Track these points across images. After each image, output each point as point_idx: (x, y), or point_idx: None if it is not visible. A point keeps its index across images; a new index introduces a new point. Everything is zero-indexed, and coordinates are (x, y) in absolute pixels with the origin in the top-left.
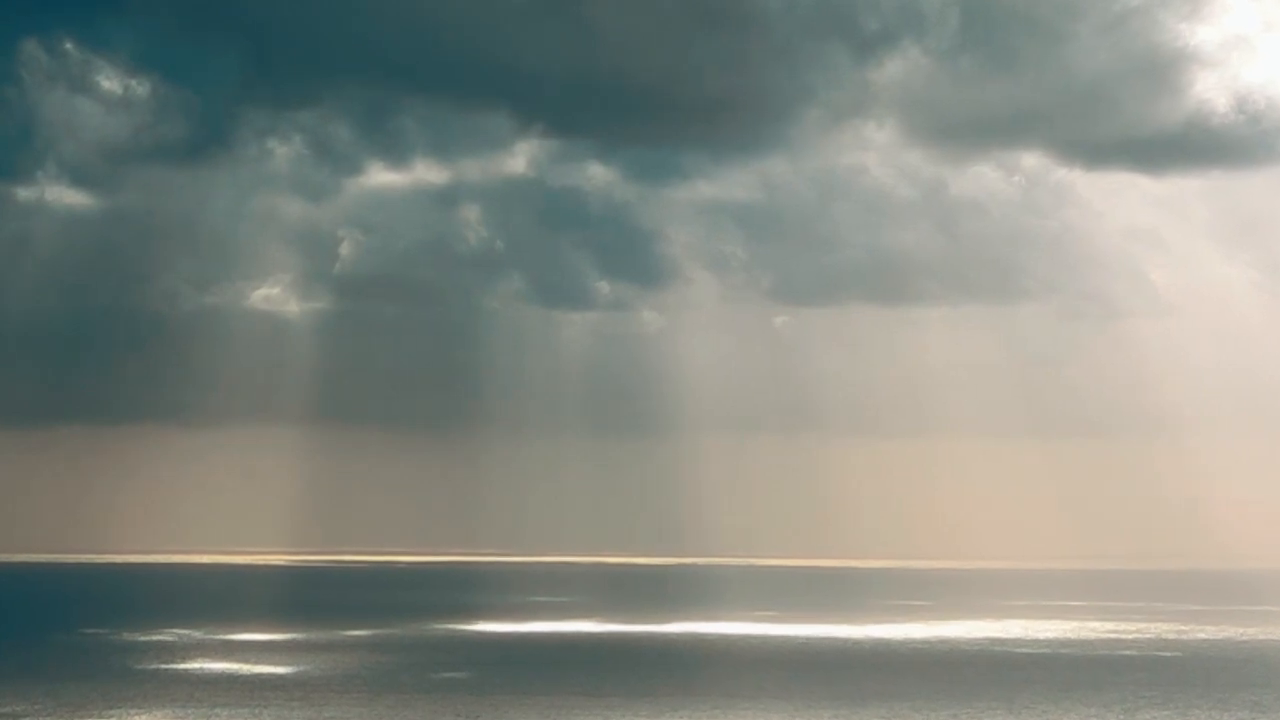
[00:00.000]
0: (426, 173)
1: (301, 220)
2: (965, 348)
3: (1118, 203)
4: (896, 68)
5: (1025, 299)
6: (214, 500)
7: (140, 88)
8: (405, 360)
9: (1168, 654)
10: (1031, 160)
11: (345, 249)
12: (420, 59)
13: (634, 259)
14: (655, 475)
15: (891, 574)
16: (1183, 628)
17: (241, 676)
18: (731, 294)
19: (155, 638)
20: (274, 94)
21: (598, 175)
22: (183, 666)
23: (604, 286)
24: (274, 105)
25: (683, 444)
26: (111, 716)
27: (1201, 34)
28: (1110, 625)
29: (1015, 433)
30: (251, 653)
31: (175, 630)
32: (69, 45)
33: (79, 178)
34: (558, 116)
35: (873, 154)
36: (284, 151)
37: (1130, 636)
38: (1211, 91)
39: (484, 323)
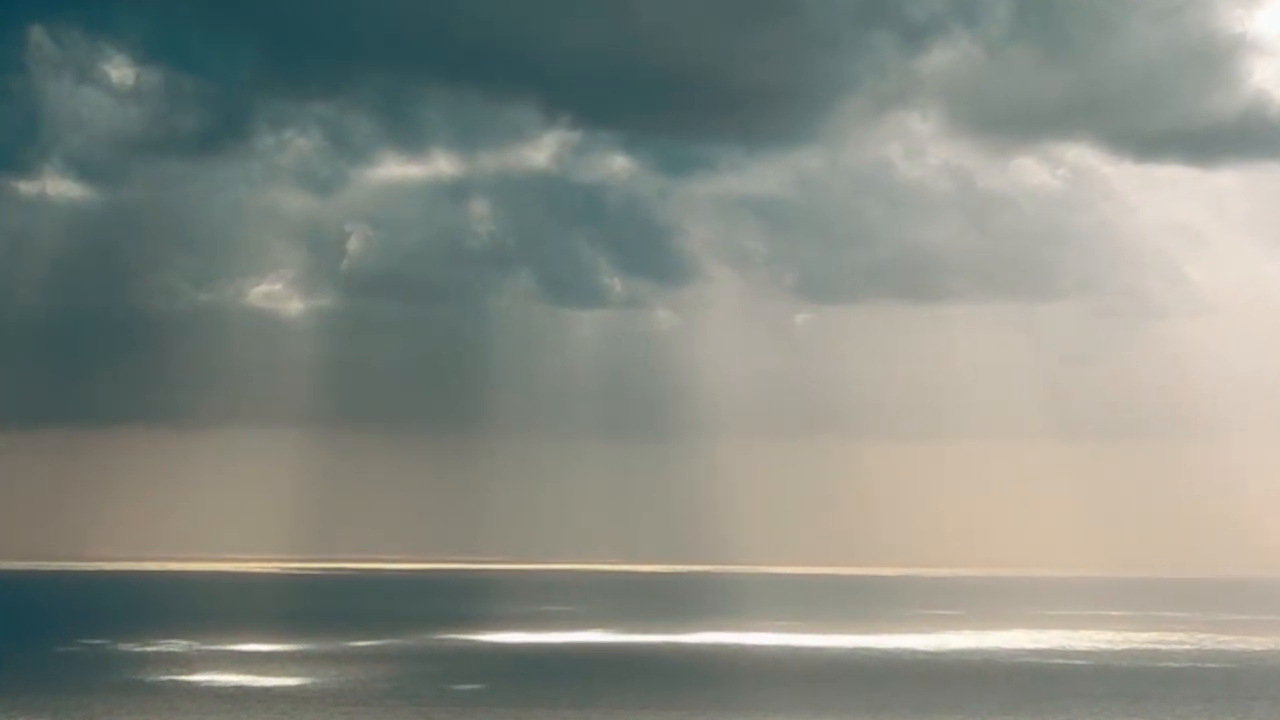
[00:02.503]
0: (443, 165)
1: (309, 215)
2: (996, 347)
3: (1163, 197)
4: (941, 57)
5: (1060, 296)
6: (209, 506)
7: (146, 78)
8: (410, 360)
9: (1214, 665)
10: (1078, 153)
11: (352, 244)
12: (444, 47)
13: (652, 255)
14: (670, 479)
15: (918, 582)
16: (1225, 638)
17: (251, 688)
18: (752, 291)
19: (156, 648)
20: (287, 84)
21: (623, 168)
22: (189, 678)
23: (621, 283)
24: (287, 96)
25: (698, 447)
26: None
27: (1259, 21)
28: (1151, 635)
29: (1046, 435)
30: (258, 664)
31: (176, 641)
32: (74, 33)
33: (80, 170)
34: (587, 108)
35: (913, 146)
36: (297, 144)
37: (1173, 647)
38: (1269, 81)
39: (498, 321)
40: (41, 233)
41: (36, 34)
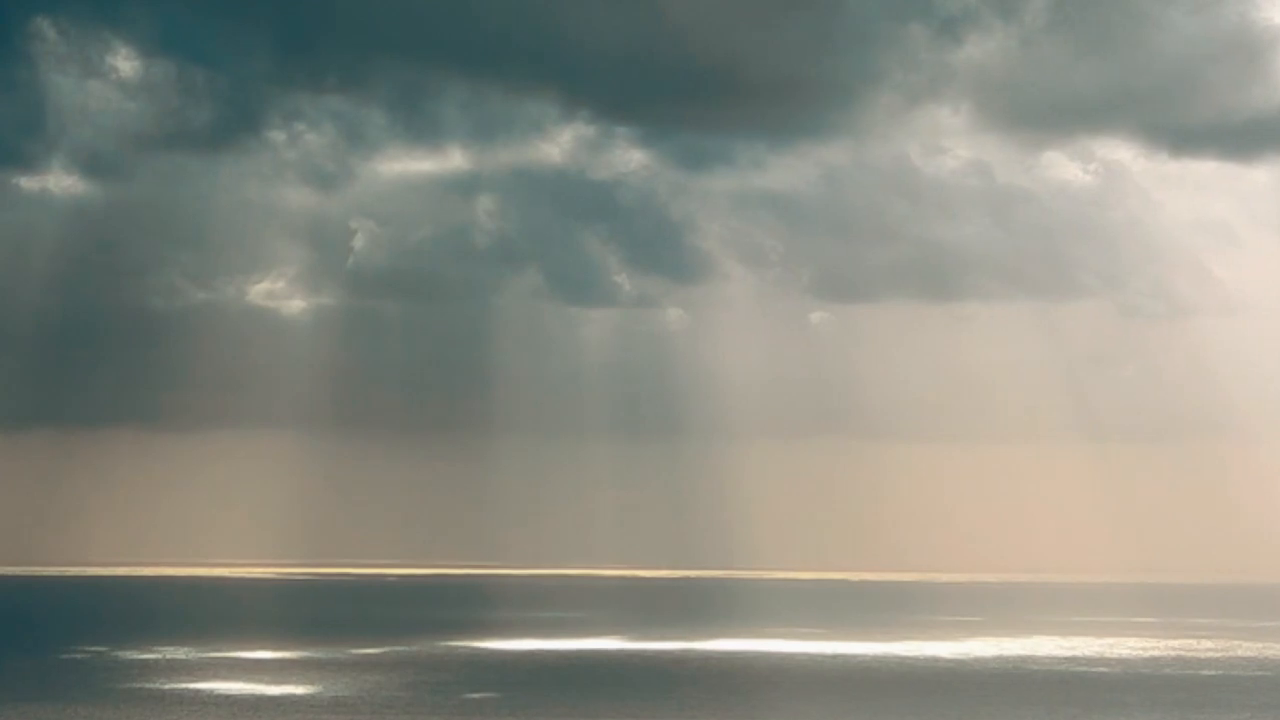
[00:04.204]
0: (457, 161)
1: (316, 211)
2: (1018, 347)
3: (1196, 193)
4: (972, 51)
5: (1085, 295)
6: (207, 510)
7: (152, 70)
8: (414, 360)
9: (1247, 674)
10: (1112, 148)
11: (358, 241)
12: (460, 40)
13: (666, 252)
14: (681, 483)
15: (936, 587)
16: (1258, 645)
17: (259, 697)
18: (767, 290)
19: (156, 656)
20: (298, 77)
21: (640, 164)
22: (193, 686)
23: (635, 282)
24: (297, 89)
25: (709, 449)
26: None
27: None
28: (1181, 643)
29: (1069, 438)
30: (264, 672)
31: (176, 648)
32: (78, 25)
33: (82, 165)
34: (608, 102)
35: (942, 141)
36: (306, 139)
37: (1205, 655)
38: None
39: (515, 320)
40: (40, 229)
41: (41, 25)
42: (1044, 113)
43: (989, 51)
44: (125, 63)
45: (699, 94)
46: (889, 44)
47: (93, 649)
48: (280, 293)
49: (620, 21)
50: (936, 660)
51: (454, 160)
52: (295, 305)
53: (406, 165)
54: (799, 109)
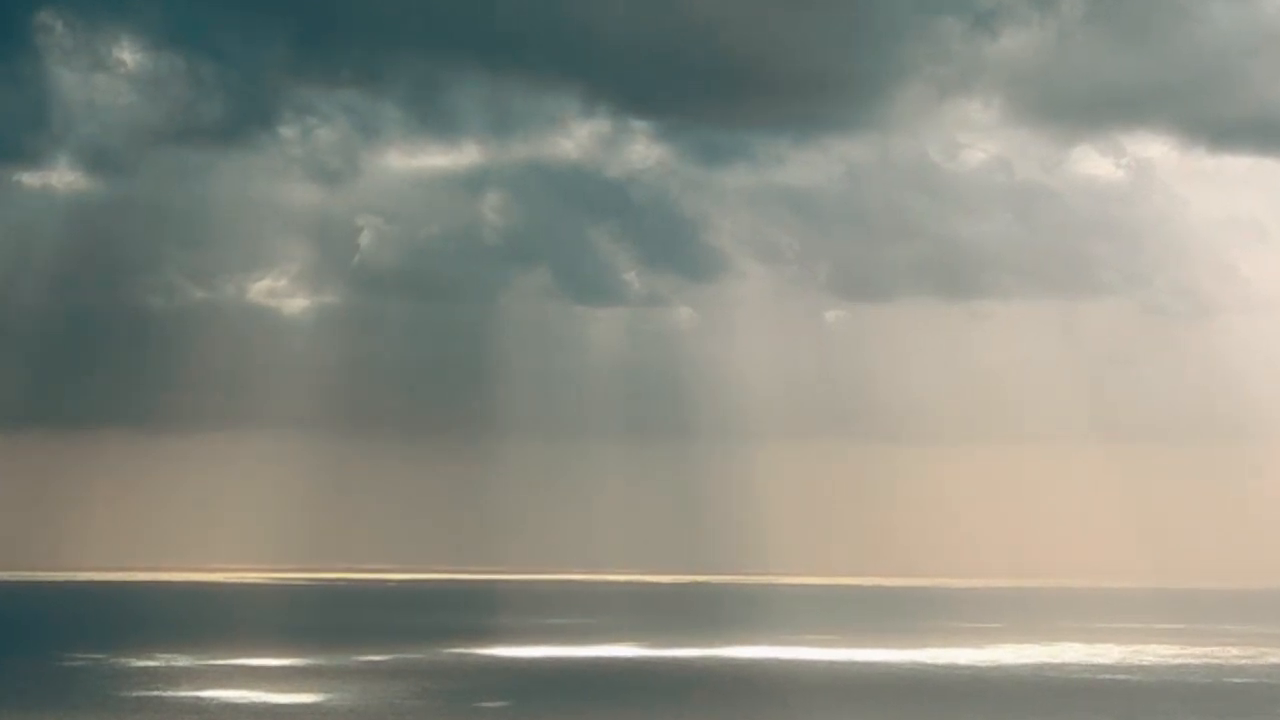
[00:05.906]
0: (468, 157)
1: (320, 207)
2: (1038, 347)
3: (1230, 189)
4: (1007, 44)
5: (1107, 293)
6: (207, 512)
7: (156, 63)
8: (419, 360)
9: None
10: (1146, 143)
11: (365, 238)
12: (477, 32)
13: (678, 250)
14: (692, 486)
15: (956, 593)
16: None
17: (264, 705)
18: (782, 288)
19: (157, 663)
20: (308, 71)
21: (658, 159)
22: (195, 694)
23: (654, 280)
24: (308, 83)
25: (720, 452)
26: None
27: None
28: (1211, 650)
29: (1089, 439)
30: (268, 679)
31: (177, 655)
32: (80, 17)
33: (87, 161)
34: (629, 96)
35: (971, 136)
36: (315, 135)
37: (1234, 662)
38: None
39: (520, 320)
40: (39, 226)
41: (46, 18)
42: (1078, 107)
43: (1023, 44)
44: (132, 56)
45: (724, 88)
46: (920, 37)
47: (91, 656)
48: (283, 290)
49: (644, 14)
50: (956, 667)
51: (466, 156)
52: (298, 304)
53: (417, 161)
54: (826, 104)
